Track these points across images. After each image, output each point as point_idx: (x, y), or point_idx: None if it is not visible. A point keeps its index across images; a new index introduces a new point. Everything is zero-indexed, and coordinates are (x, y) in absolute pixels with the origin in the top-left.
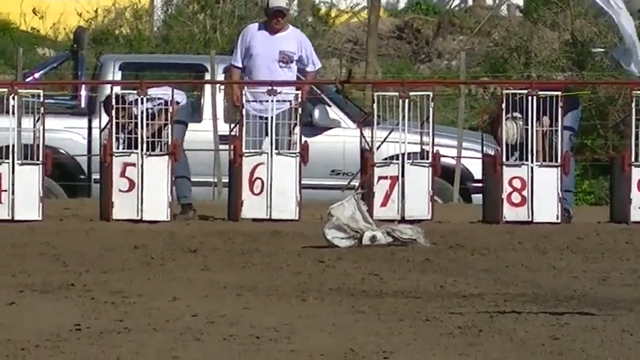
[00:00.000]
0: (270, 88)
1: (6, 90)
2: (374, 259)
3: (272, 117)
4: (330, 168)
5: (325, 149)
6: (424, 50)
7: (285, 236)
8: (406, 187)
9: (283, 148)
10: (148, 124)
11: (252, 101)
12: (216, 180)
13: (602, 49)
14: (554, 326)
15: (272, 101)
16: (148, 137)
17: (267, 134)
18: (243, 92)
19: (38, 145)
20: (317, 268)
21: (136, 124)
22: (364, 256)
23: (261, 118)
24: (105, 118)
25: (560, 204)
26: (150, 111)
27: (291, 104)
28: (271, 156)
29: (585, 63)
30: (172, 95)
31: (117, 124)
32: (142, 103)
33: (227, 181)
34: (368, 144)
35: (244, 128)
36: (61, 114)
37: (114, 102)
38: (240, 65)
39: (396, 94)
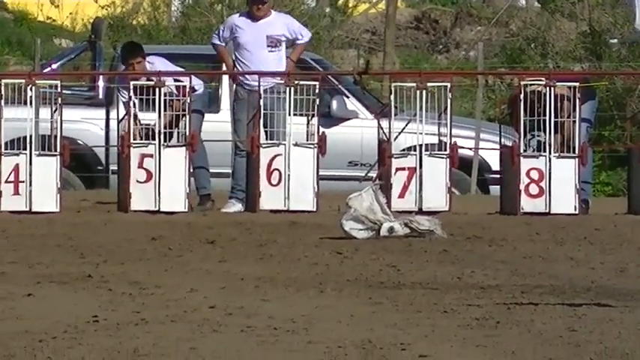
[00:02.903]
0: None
1: (24, 81)
2: (391, 251)
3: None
4: (348, 159)
5: (343, 140)
6: (442, 41)
7: (302, 227)
8: (424, 178)
9: (279, 127)
10: (165, 114)
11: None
12: None
13: (619, 40)
14: (572, 318)
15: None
16: (165, 126)
17: (263, 124)
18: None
19: (56, 136)
20: (335, 259)
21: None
22: (382, 247)
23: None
24: (122, 110)
25: (577, 195)
26: (165, 91)
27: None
28: (289, 147)
29: (602, 53)
30: (190, 81)
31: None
32: (159, 93)
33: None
34: (385, 135)
35: (262, 120)
36: (78, 105)
37: (131, 93)
38: (222, 42)
39: (414, 85)
